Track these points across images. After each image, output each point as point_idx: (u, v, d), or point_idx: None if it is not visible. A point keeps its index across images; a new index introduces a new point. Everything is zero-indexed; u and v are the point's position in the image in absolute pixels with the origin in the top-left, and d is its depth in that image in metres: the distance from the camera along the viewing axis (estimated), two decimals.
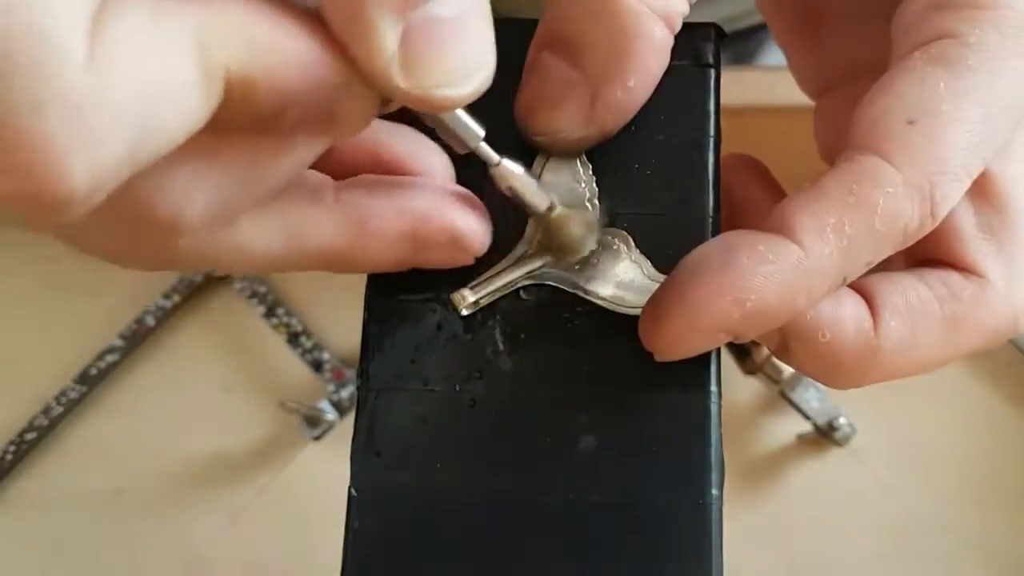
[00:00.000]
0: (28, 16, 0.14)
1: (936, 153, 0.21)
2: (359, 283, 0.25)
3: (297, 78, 0.17)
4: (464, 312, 0.24)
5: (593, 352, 0.24)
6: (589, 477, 0.23)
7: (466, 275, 0.24)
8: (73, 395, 0.55)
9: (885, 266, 0.23)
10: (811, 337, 0.23)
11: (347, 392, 0.55)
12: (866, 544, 0.52)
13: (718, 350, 0.24)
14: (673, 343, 0.22)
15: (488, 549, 0.23)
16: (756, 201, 0.27)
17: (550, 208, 0.23)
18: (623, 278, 0.24)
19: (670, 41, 0.24)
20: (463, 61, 0.18)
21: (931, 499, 0.53)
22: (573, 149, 0.25)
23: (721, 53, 0.26)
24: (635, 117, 0.24)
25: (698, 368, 0.24)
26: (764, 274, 0.21)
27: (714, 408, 0.24)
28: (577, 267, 0.25)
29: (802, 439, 0.54)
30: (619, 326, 0.24)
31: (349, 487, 0.24)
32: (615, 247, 0.25)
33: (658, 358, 0.23)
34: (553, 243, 0.24)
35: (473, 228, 0.23)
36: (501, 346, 0.24)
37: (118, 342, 0.56)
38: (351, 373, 0.55)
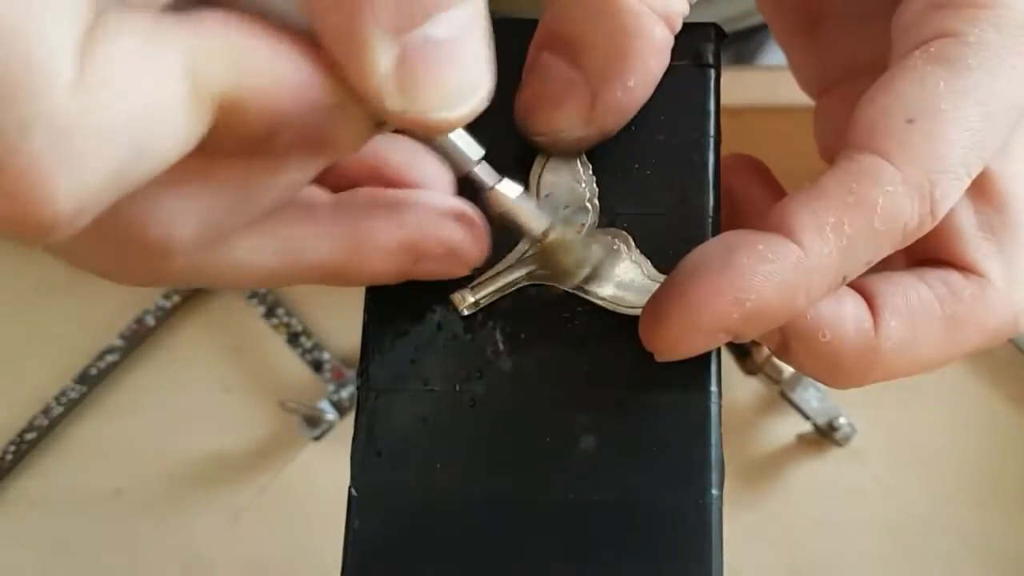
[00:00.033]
0: (15, 36, 0.14)
1: (936, 152, 0.21)
2: None
3: (289, 100, 0.17)
4: (465, 312, 0.24)
5: (593, 352, 0.24)
6: (589, 477, 0.23)
7: (467, 275, 0.24)
8: (73, 395, 0.55)
9: (885, 266, 0.23)
10: (811, 337, 0.23)
11: (347, 392, 0.55)
12: (866, 544, 0.52)
13: (718, 350, 0.24)
14: (673, 343, 0.22)
15: (488, 549, 0.23)
16: (756, 201, 0.27)
17: (546, 232, 0.23)
18: (623, 278, 0.24)
19: (670, 41, 0.24)
20: (459, 84, 0.18)
21: (931, 499, 0.53)
22: (573, 149, 0.25)
23: (721, 53, 0.26)
24: (635, 117, 0.24)
25: (698, 368, 0.24)
26: (764, 274, 0.21)
27: (714, 408, 0.24)
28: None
29: (802, 439, 0.54)
30: (619, 326, 0.24)
31: (349, 487, 0.24)
32: (615, 247, 0.25)
33: (658, 358, 0.23)
34: (547, 266, 0.24)
35: (469, 240, 0.23)
36: (501, 346, 0.24)
37: (118, 342, 0.56)
38: (351, 373, 0.55)
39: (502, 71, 0.25)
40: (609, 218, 0.25)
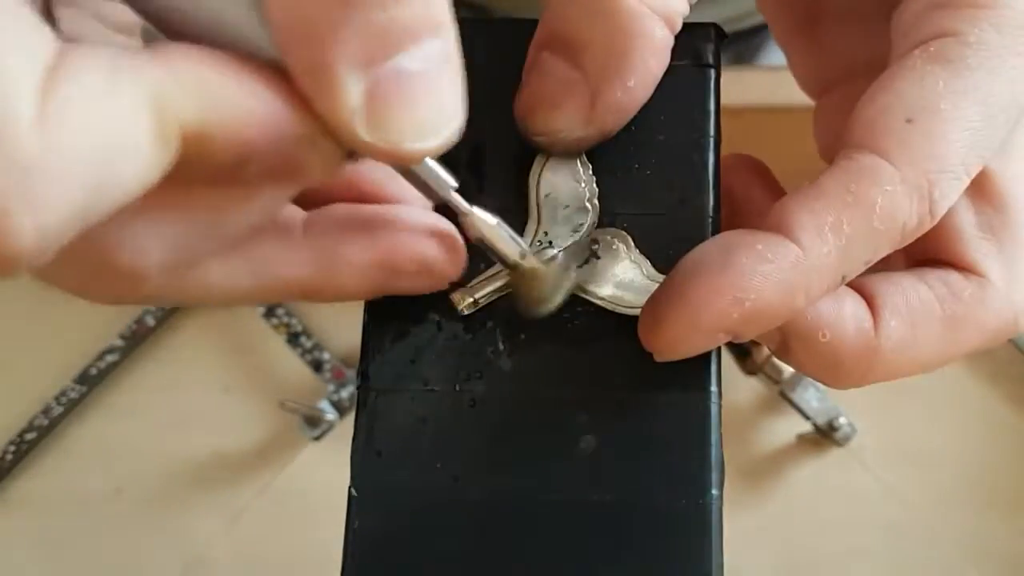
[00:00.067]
0: None
1: (935, 151, 0.21)
2: None
3: (257, 132, 0.17)
4: (464, 312, 0.24)
5: (593, 352, 0.24)
6: (589, 477, 0.23)
7: (466, 275, 0.24)
8: (73, 395, 0.55)
9: (885, 266, 0.23)
10: (811, 337, 0.23)
11: (347, 392, 0.55)
12: (866, 544, 0.53)
13: (718, 350, 0.24)
14: (673, 343, 0.22)
15: (488, 549, 0.23)
16: (756, 201, 0.27)
17: (521, 258, 0.23)
18: (622, 278, 0.24)
19: (670, 41, 0.24)
20: (431, 116, 0.17)
21: (930, 499, 0.53)
22: (573, 149, 0.25)
23: (722, 53, 0.26)
24: (635, 117, 0.24)
25: (698, 368, 0.24)
26: (763, 274, 0.21)
27: (714, 408, 0.24)
28: (577, 267, 0.25)
29: (802, 439, 0.54)
30: (619, 326, 0.24)
31: (349, 487, 0.24)
32: (614, 247, 0.25)
33: (658, 358, 0.23)
34: (521, 292, 0.23)
35: (444, 256, 0.23)
36: (501, 346, 0.24)
37: (118, 342, 0.56)
38: (351, 373, 0.55)
39: (502, 71, 0.25)
40: (609, 218, 0.25)
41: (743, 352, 0.54)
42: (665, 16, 0.23)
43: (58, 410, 0.55)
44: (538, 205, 0.25)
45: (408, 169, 0.21)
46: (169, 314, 0.56)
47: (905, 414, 0.54)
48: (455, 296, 0.24)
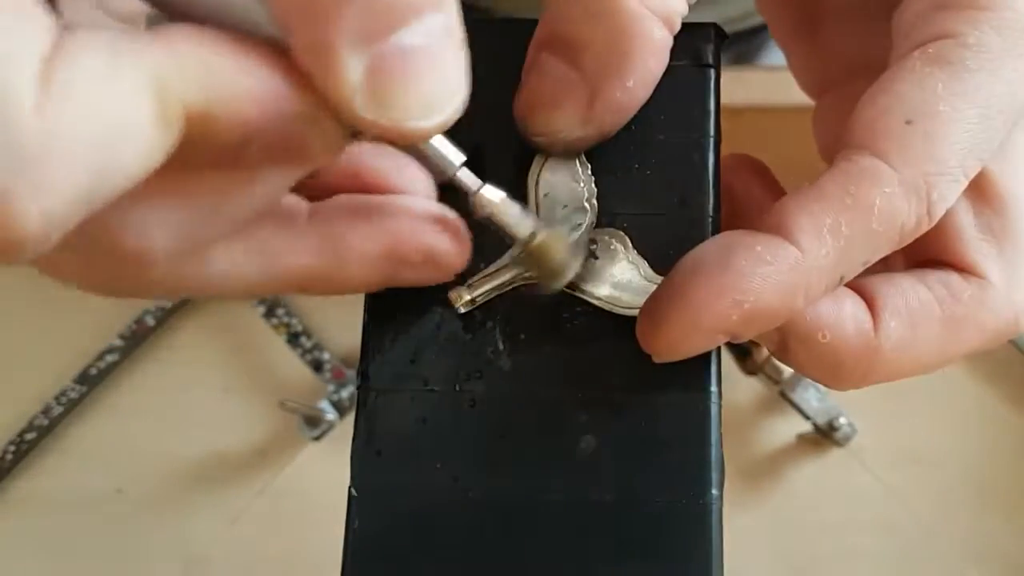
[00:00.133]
0: None
1: (933, 153, 0.21)
2: None
3: (259, 113, 0.17)
4: (461, 310, 0.24)
5: (593, 352, 0.24)
6: (589, 477, 0.23)
7: (465, 273, 0.24)
8: (73, 395, 0.55)
9: (885, 267, 0.23)
10: (811, 337, 0.23)
11: (347, 392, 0.55)
12: (866, 544, 0.53)
13: (718, 350, 0.24)
14: (672, 345, 0.22)
15: (488, 549, 0.23)
16: (756, 201, 0.27)
17: (532, 235, 0.23)
18: (620, 278, 0.24)
19: (669, 41, 0.24)
20: (434, 92, 0.17)
21: (931, 499, 0.53)
22: (572, 149, 0.25)
23: (722, 53, 0.26)
24: (635, 117, 0.24)
25: (698, 368, 0.24)
26: (762, 275, 0.21)
27: (714, 408, 0.24)
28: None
29: (802, 439, 0.54)
30: (619, 326, 0.24)
31: (349, 487, 0.24)
32: (612, 247, 0.25)
33: (656, 359, 0.23)
34: (534, 269, 0.23)
35: (450, 246, 0.23)
36: (501, 346, 0.24)
37: (118, 342, 0.56)
38: (351, 373, 0.55)
39: (502, 71, 0.25)
40: (608, 218, 0.25)
41: (743, 352, 0.54)
42: (664, 16, 0.23)
43: (58, 410, 0.54)
44: (537, 205, 0.25)
45: (414, 147, 0.21)
46: (169, 314, 0.56)
47: (905, 414, 0.54)
48: (453, 294, 0.24)
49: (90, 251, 0.19)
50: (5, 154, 0.14)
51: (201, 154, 0.17)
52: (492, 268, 0.25)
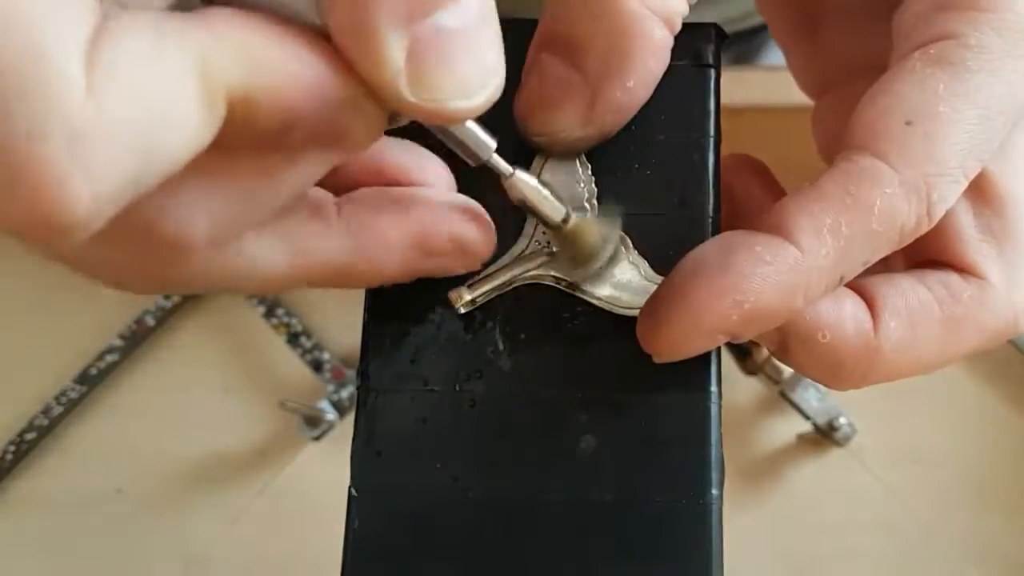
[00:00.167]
0: (26, 40, 0.14)
1: (933, 154, 0.21)
2: None
3: (301, 96, 0.17)
4: (461, 310, 0.24)
5: (593, 352, 0.24)
6: (589, 477, 0.23)
7: (465, 273, 0.24)
8: (73, 395, 0.55)
9: (885, 267, 0.23)
10: (811, 338, 0.23)
11: (347, 392, 0.55)
12: (866, 544, 0.53)
13: (718, 350, 0.24)
14: (672, 345, 0.22)
15: (488, 549, 0.23)
16: (756, 201, 0.27)
17: (565, 219, 0.23)
18: (620, 279, 0.24)
19: (670, 42, 0.24)
20: (472, 72, 0.18)
21: (931, 499, 0.53)
22: (573, 149, 0.25)
23: (722, 53, 0.26)
24: (635, 117, 0.24)
25: (698, 368, 0.24)
26: (762, 275, 0.21)
27: (714, 408, 0.24)
28: (578, 268, 0.25)
29: (802, 439, 0.54)
30: (619, 326, 0.24)
31: (349, 487, 0.24)
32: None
33: (657, 360, 0.23)
34: (568, 253, 0.24)
35: (478, 234, 0.23)
36: (501, 346, 0.24)
37: (118, 342, 0.56)
38: (351, 373, 0.55)
39: None
40: None
41: (743, 352, 0.54)
42: (665, 17, 0.23)
43: (58, 410, 0.54)
44: None
45: (448, 131, 0.21)
46: (169, 314, 0.56)
47: (905, 414, 0.54)
48: (453, 294, 0.24)
49: (127, 239, 0.19)
50: (59, 136, 0.14)
51: (242, 138, 0.17)
52: (492, 268, 0.25)
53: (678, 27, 0.24)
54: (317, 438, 0.54)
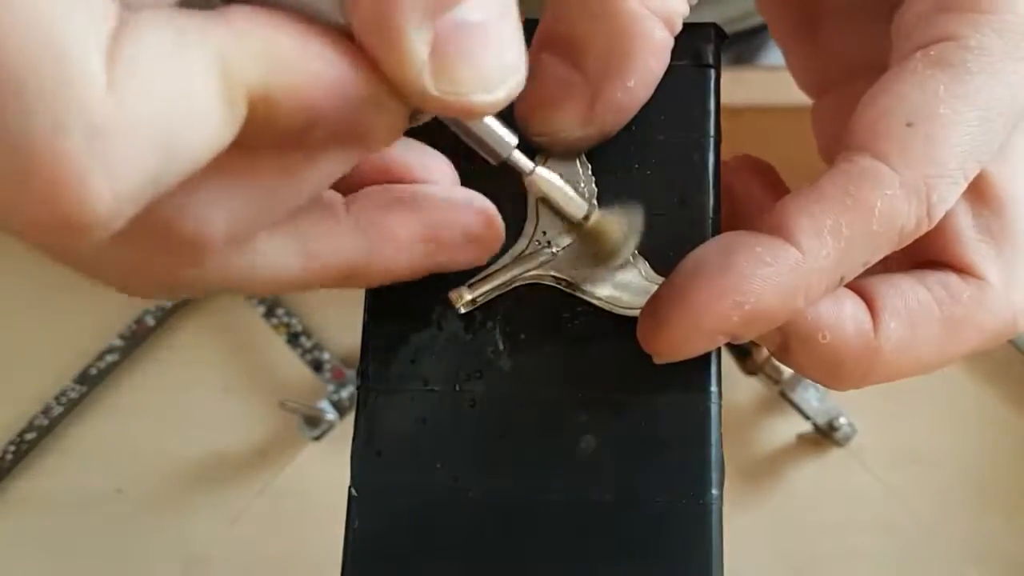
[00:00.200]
0: (48, 35, 0.14)
1: (934, 156, 0.21)
2: None
3: (323, 95, 0.17)
4: (462, 310, 0.24)
5: (593, 352, 0.24)
6: (589, 477, 0.23)
7: (465, 273, 0.24)
8: (73, 395, 0.55)
9: (885, 267, 0.23)
10: (811, 338, 0.23)
11: (347, 392, 0.55)
12: (866, 544, 0.53)
13: (718, 350, 0.24)
14: (673, 346, 0.22)
15: (488, 549, 0.23)
16: (757, 200, 0.27)
17: (587, 216, 0.23)
18: (621, 279, 0.24)
19: (670, 42, 0.24)
20: (495, 65, 0.18)
21: (931, 499, 0.53)
22: (573, 149, 0.25)
23: (722, 53, 0.26)
24: (635, 117, 0.24)
25: (698, 368, 0.24)
26: (763, 276, 0.21)
27: (714, 408, 0.24)
28: (575, 267, 0.25)
29: (802, 439, 0.54)
30: (619, 326, 0.24)
31: (349, 487, 0.24)
32: None
33: (657, 360, 0.23)
34: (590, 250, 0.24)
35: (487, 227, 0.23)
36: (501, 346, 0.24)
37: (118, 342, 0.56)
38: (351, 373, 0.55)
39: None
40: None
41: (743, 352, 0.54)
42: (665, 17, 0.23)
43: (58, 410, 0.55)
44: (537, 205, 0.25)
45: (468, 128, 0.21)
46: (169, 314, 0.56)
47: (905, 414, 0.54)
48: (453, 294, 0.24)
49: (145, 238, 0.18)
50: (81, 133, 0.14)
51: (263, 137, 0.17)
52: (492, 268, 0.25)
53: (678, 27, 0.24)
54: (317, 438, 0.54)
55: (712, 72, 0.26)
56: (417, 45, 0.17)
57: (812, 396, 0.53)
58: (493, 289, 0.25)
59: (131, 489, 0.54)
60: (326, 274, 0.22)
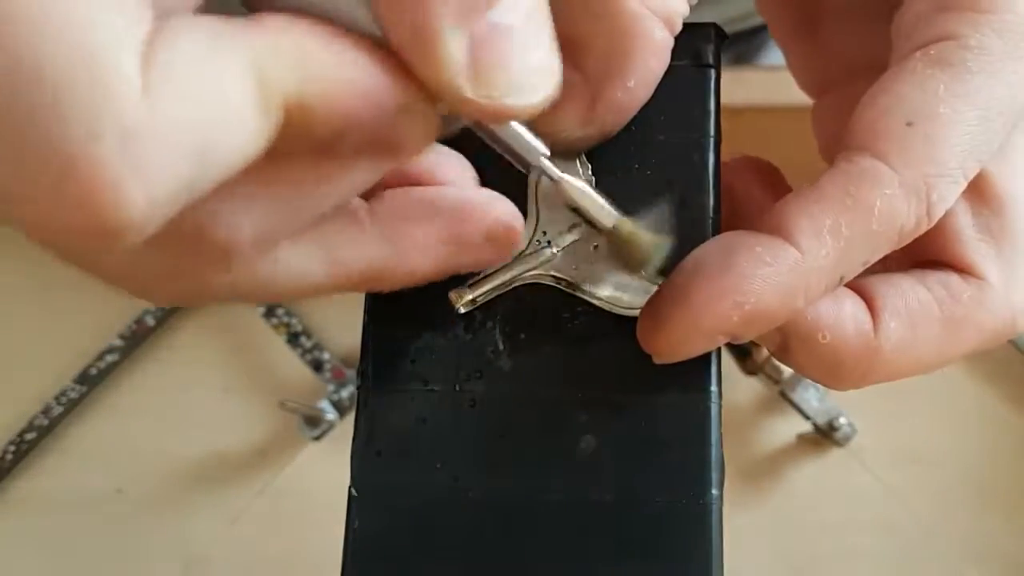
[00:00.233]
0: (83, 39, 0.14)
1: (933, 155, 0.21)
2: None
3: (357, 103, 0.17)
4: (462, 310, 0.24)
5: (593, 352, 0.24)
6: (589, 477, 0.23)
7: (465, 273, 0.24)
8: (73, 395, 0.55)
9: (885, 267, 0.23)
10: (811, 338, 0.23)
11: (347, 392, 0.55)
12: (866, 544, 0.53)
13: (718, 350, 0.24)
14: (673, 346, 0.22)
15: (488, 549, 0.23)
16: (757, 201, 0.27)
17: (616, 224, 0.23)
18: (621, 279, 0.24)
19: (670, 42, 0.24)
20: (530, 69, 0.18)
21: (930, 499, 0.53)
22: (573, 149, 0.25)
23: (722, 53, 0.26)
24: (635, 117, 0.24)
25: (698, 368, 0.24)
26: (763, 277, 0.21)
27: (714, 408, 0.24)
28: (575, 267, 0.25)
29: (802, 439, 0.54)
30: (619, 326, 0.24)
31: (349, 487, 0.24)
32: None
33: (657, 360, 0.23)
34: (620, 258, 0.24)
35: (509, 224, 0.23)
36: (501, 346, 0.24)
37: (118, 342, 0.56)
38: (351, 373, 0.55)
39: None
40: None
41: (743, 352, 0.54)
42: (665, 17, 0.23)
43: (58, 410, 0.55)
44: (537, 205, 0.25)
45: (498, 136, 0.21)
46: (169, 314, 0.56)
47: (905, 414, 0.54)
48: (453, 294, 0.24)
49: (175, 245, 0.18)
50: (116, 138, 0.14)
51: (296, 144, 0.17)
52: (492, 268, 0.25)
53: (678, 27, 0.24)
54: (317, 438, 0.54)
55: (712, 72, 0.26)
56: (452, 48, 0.17)
57: (812, 396, 0.53)
58: (493, 289, 0.25)
59: (131, 489, 0.54)
60: (350, 280, 0.22)
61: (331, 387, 0.55)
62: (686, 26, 0.24)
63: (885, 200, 0.21)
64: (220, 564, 0.53)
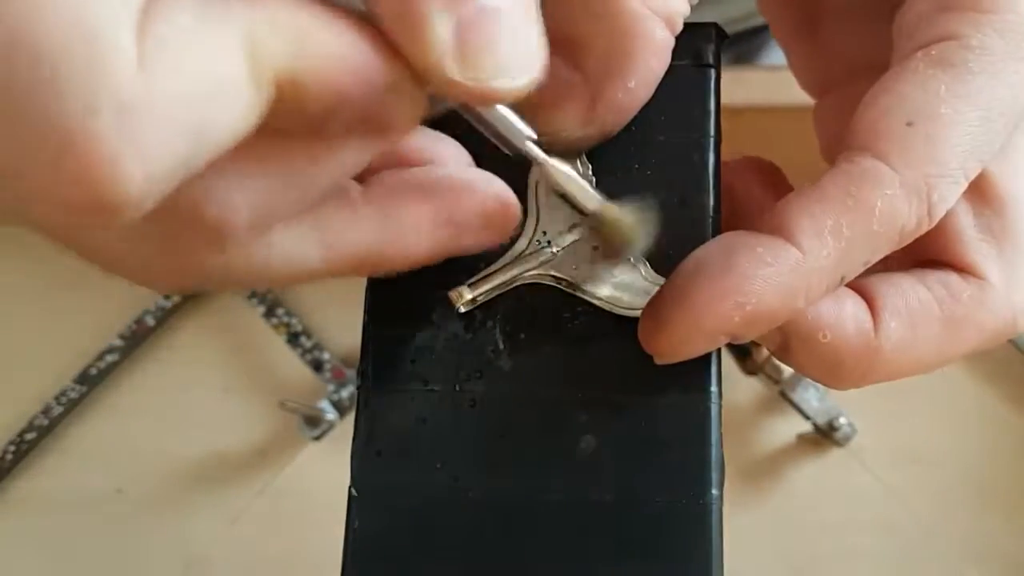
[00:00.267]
0: (78, 12, 0.14)
1: (934, 156, 0.21)
2: (359, 283, 0.25)
3: (348, 79, 0.17)
4: (462, 309, 0.24)
5: (593, 352, 0.24)
6: (589, 477, 0.23)
7: (465, 273, 0.24)
8: (73, 395, 0.55)
9: (885, 267, 0.23)
10: (812, 337, 0.23)
11: (347, 392, 0.55)
12: (866, 544, 0.53)
13: (718, 350, 0.24)
14: (674, 346, 0.22)
15: (488, 549, 0.23)
16: (757, 201, 0.27)
17: (600, 208, 0.23)
18: (621, 279, 0.24)
19: (671, 42, 0.24)
20: (516, 52, 0.18)
21: (930, 499, 0.53)
22: (573, 149, 0.25)
23: (722, 53, 0.26)
24: (635, 117, 0.24)
25: (699, 368, 0.24)
26: (764, 277, 0.21)
27: (714, 408, 0.24)
28: (575, 267, 0.25)
29: (802, 439, 0.54)
30: (619, 326, 0.24)
31: (349, 487, 0.24)
32: None
33: (658, 361, 0.23)
34: (603, 243, 0.24)
35: (503, 206, 0.23)
36: (501, 346, 0.24)
37: (118, 342, 0.56)
38: (351, 373, 0.55)
39: None
40: None
41: (743, 352, 0.54)
42: (666, 17, 0.23)
43: (58, 410, 0.55)
44: (537, 204, 0.25)
45: (484, 118, 0.21)
46: (169, 314, 0.56)
47: (905, 414, 0.54)
48: (453, 294, 0.24)
49: (169, 223, 0.18)
50: (112, 112, 0.14)
51: (287, 121, 0.17)
52: (492, 268, 0.25)
53: (679, 27, 0.24)
54: (317, 438, 0.54)
55: (712, 72, 0.26)
56: (440, 30, 0.17)
57: (812, 396, 0.53)
58: (493, 289, 0.25)
59: (131, 489, 0.54)
60: (345, 263, 0.22)
61: (331, 387, 0.55)
62: (686, 26, 0.24)
63: (886, 200, 0.21)
64: (220, 564, 0.53)
